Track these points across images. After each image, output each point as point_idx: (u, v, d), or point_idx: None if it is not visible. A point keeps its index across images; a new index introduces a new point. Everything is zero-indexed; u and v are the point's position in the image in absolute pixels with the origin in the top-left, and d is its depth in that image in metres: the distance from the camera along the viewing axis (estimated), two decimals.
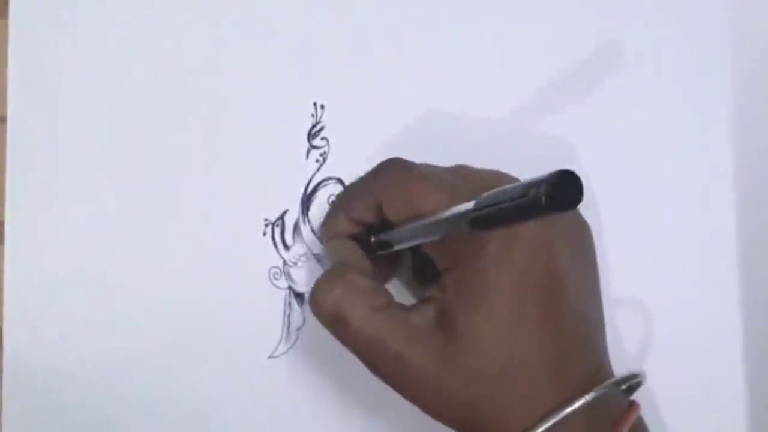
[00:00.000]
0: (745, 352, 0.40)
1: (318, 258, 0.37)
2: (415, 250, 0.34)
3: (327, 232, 0.35)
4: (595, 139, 0.39)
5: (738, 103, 0.40)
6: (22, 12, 0.34)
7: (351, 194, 0.35)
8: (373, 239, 0.34)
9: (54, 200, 0.35)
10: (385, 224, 0.33)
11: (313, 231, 0.37)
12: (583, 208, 0.36)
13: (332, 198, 0.37)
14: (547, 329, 0.30)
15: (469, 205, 0.27)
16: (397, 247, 0.33)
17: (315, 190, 0.37)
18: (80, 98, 0.35)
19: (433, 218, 0.30)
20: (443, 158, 0.34)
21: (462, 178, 0.32)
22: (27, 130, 0.34)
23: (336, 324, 0.32)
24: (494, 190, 0.26)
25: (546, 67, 0.39)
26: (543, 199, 0.23)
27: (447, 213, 0.29)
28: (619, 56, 0.40)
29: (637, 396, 0.33)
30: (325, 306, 0.32)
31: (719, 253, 0.40)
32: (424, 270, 0.35)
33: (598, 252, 0.34)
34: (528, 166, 0.32)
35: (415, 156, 0.34)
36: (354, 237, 0.34)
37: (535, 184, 0.24)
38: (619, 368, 0.33)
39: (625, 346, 0.39)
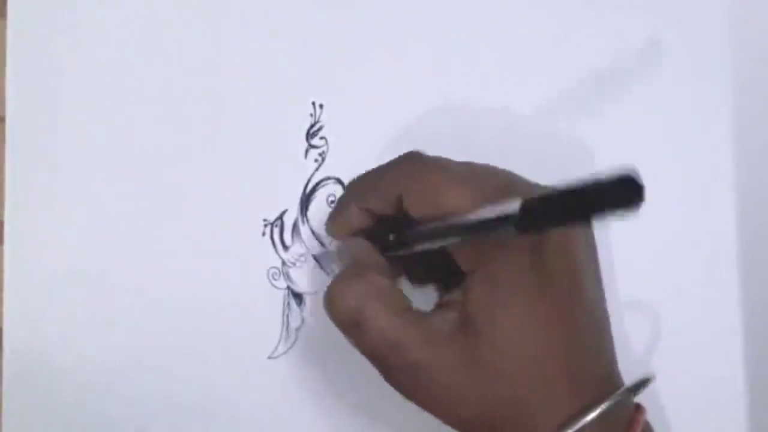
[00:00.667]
0: (745, 352, 0.39)
1: (317, 258, 0.37)
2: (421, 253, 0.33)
3: (337, 226, 0.34)
4: (595, 140, 0.39)
5: (738, 103, 0.40)
6: (22, 12, 0.34)
7: (365, 184, 0.33)
8: (392, 237, 0.33)
9: (54, 200, 0.35)
10: (398, 220, 0.32)
11: (312, 231, 0.37)
12: None
13: (332, 198, 0.37)
14: (568, 335, 0.30)
15: (514, 206, 0.25)
16: (419, 248, 0.31)
17: (314, 189, 0.37)
18: (80, 98, 0.35)
19: (468, 219, 0.29)
20: (444, 155, 0.34)
21: (488, 176, 0.31)
22: (27, 130, 0.34)
23: (353, 327, 0.30)
24: (543, 191, 0.24)
25: (544, 67, 0.39)
26: (605, 201, 0.22)
27: (487, 213, 0.27)
28: (619, 56, 0.40)
29: (639, 396, 0.33)
30: (342, 308, 0.30)
31: (719, 253, 0.40)
32: (424, 271, 0.35)
33: (601, 253, 0.34)
34: (528, 167, 0.32)
35: None
36: (366, 233, 0.33)
37: (594, 186, 0.22)
38: (621, 368, 0.33)
39: (625, 346, 0.39)
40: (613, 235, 0.38)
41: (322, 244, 0.37)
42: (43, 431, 0.35)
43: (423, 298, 0.34)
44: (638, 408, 0.31)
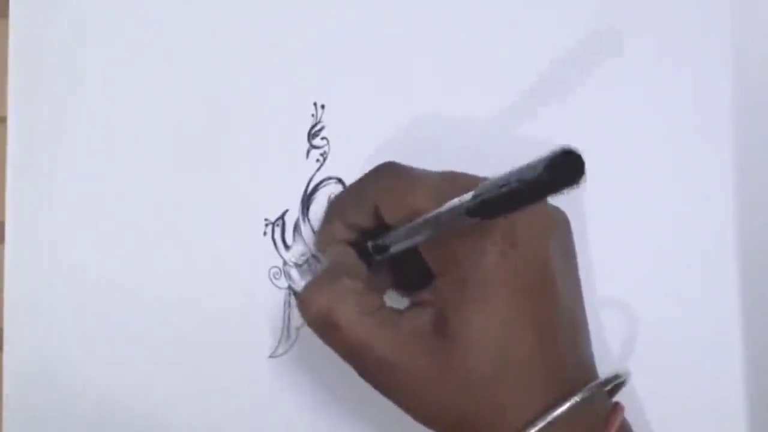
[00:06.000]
0: (745, 352, 0.40)
1: (318, 258, 0.37)
2: (404, 258, 0.34)
3: (323, 239, 0.35)
4: (596, 140, 0.39)
5: (738, 103, 0.40)
6: (22, 12, 0.34)
7: (346, 200, 0.35)
8: (369, 244, 0.34)
9: (54, 200, 0.35)
10: (381, 229, 0.33)
11: (313, 231, 0.37)
12: (584, 209, 0.37)
13: (331, 199, 0.37)
14: (539, 330, 0.30)
15: (468, 196, 0.27)
16: (393, 250, 0.33)
17: (315, 189, 0.37)
18: (81, 98, 0.35)
19: (429, 214, 0.30)
20: (443, 157, 0.34)
21: (455, 180, 0.32)
22: (27, 130, 0.34)
23: (325, 328, 0.31)
24: (490, 179, 0.26)
25: (549, 65, 0.39)
26: (544, 179, 0.23)
27: (445, 206, 0.29)
28: (619, 54, 0.40)
29: (639, 396, 0.33)
30: (313, 309, 0.31)
31: (719, 253, 0.40)
32: (410, 279, 0.36)
33: (598, 254, 0.34)
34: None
35: (415, 155, 0.34)
36: (351, 244, 0.34)
37: (533, 166, 0.23)
38: (620, 368, 0.33)
39: (625, 346, 0.39)
40: (614, 237, 0.39)
41: (318, 253, 0.37)
42: (43, 431, 0.35)
43: None
44: (617, 406, 0.32)
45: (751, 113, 0.40)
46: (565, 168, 0.23)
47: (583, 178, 0.23)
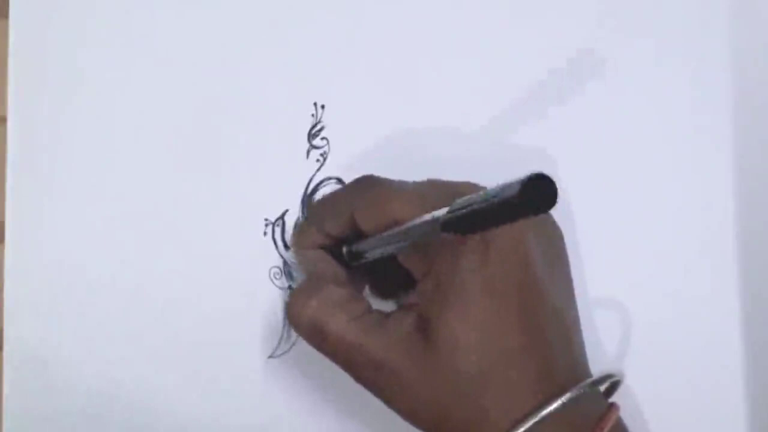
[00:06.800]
0: (746, 352, 0.40)
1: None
2: (379, 264, 0.34)
3: (299, 243, 0.36)
4: (597, 140, 0.39)
5: (738, 103, 0.40)
6: (22, 12, 0.34)
7: (323, 208, 0.36)
8: (345, 250, 0.34)
9: (54, 200, 0.35)
10: (357, 238, 0.34)
11: None
12: (585, 209, 0.37)
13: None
14: (524, 330, 0.31)
15: (443, 210, 0.28)
16: (368, 257, 0.33)
17: (315, 189, 0.37)
18: (80, 98, 0.35)
19: (405, 225, 0.31)
20: (443, 157, 0.34)
21: (433, 188, 0.33)
22: (27, 130, 0.34)
23: (315, 335, 0.32)
24: (468, 196, 0.26)
25: (549, 65, 0.39)
26: (516, 201, 0.24)
27: (420, 219, 0.30)
28: (619, 55, 0.40)
29: (638, 397, 0.33)
30: (302, 318, 0.32)
31: (719, 253, 0.40)
32: (386, 283, 0.36)
33: (599, 254, 0.34)
34: (527, 167, 0.32)
35: (415, 155, 0.34)
36: (325, 248, 0.35)
37: (507, 187, 0.24)
38: (617, 368, 0.33)
39: (625, 347, 0.39)
40: (614, 235, 0.39)
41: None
42: (43, 431, 0.35)
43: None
44: (612, 406, 0.32)
45: (751, 113, 0.40)
46: (539, 193, 0.24)
47: (555, 204, 0.24)
